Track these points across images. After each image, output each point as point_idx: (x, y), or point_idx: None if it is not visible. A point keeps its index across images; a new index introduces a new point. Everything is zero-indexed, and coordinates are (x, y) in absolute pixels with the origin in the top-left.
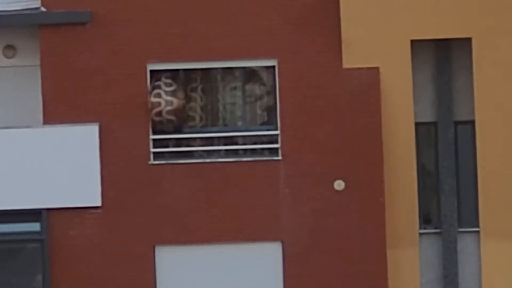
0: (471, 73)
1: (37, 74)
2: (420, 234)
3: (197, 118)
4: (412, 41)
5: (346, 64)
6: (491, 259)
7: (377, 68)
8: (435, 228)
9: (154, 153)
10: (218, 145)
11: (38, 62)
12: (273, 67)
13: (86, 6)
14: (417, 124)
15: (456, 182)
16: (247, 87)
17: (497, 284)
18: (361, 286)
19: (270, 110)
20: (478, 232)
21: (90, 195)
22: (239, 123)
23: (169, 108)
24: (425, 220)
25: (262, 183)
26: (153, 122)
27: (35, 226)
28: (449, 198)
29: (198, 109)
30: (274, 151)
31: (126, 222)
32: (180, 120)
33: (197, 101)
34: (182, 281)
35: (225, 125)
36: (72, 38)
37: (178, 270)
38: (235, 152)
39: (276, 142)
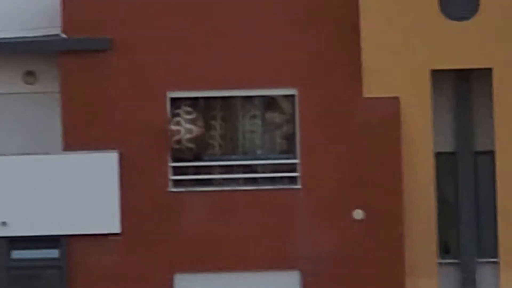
0: (491, 103)
1: (57, 100)
2: (439, 264)
3: (217, 146)
4: (432, 71)
5: (366, 94)
6: None
7: (397, 98)
8: (454, 258)
9: (174, 180)
10: (237, 173)
11: (58, 89)
12: (293, 95)
13: (106, 33)
14: (436, 154)
15: (475, 212)
16: (267, 115)
17: None
18: None
19: (290, 138)
20: (497, 263)
21: (109, 222)
22: (259, 151)
23: (188, 136)
24: (444, 250)
25: (281, 212)
26: (173, 150)
27: (54, 253)
28: (468, 228)
29: (218, 137)
30: (293, 180)
31: (145, 250)
32: (199, 148)
33: (217, 129)
34: None
35: (245, 153)
36: (92, 65)
37: None
38: (254, 180)
39: (295, 171)
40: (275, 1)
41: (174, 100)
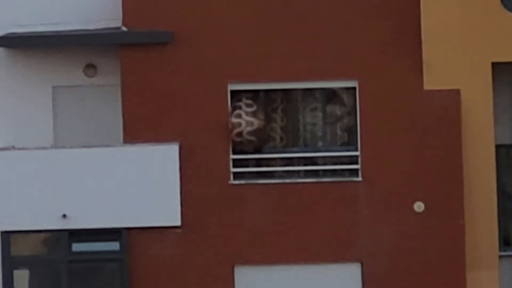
0: None
1: (118, 93)
2: (500, 256)
3: (277, 138)
4: (493, 64)
5: (427, 86)
6: None
7: (458, 90)
8: None
9: (234, 173)
10: (298, 165)
11: (119, 81)
12: (354, 88)
13: (167, 26)
14: (497, 147)
15: None
16: (328, 108)
17: None
18: None
19: (351, 131)
20: None
21: (170, 214)
22: (319, 144)
23: (249, 128)
24: (505, 242)
25: (342, 204)
26: (234, 142)
27: (115, 245)
28: None
29: (279, 130)
30: (354, 172)
31: (205, 242)
32: (260, 141)
33: (278, 121)
34: None
35: (305, 146)
36: (153, 58)
37: None
38: (315, 173)
39: (356, 163)
40: None
41: (234, 92)
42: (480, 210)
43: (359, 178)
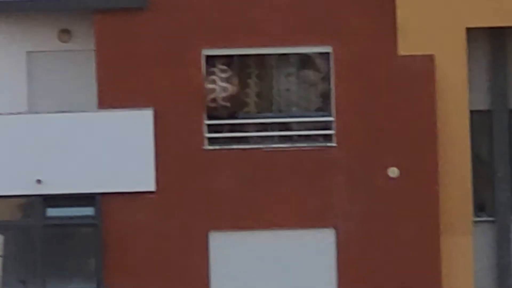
0: None
1: (92, 58)
2: (474, 222)
3: (252, 104)
4: (468, 29)
5: (401, 51)
6: None
7: (432, 56)
8: (489, 216)
9: (209, 138)
10: (272, 131)
11: (93, 47)
12: (328, 53)
13: None
14: (471, 112)
15: (510, 170)
16: (302, 73)
17: None
18: (414, 273)
19: (325, 96)
20: None
21: (144, 180)
22: (294, 109)
23: (224, 94)
24: (479, 208)
25: (316, 170)
26: (208, 108)
27: (89, 211)
28: (503, 186)
29: (253, 95)
30: (328, 138)
31: (180, 208)
32: (234, 106)
33: (252, 87)
34: (235, 267)
35: (280, 111)
36: (127, 23)
37: (232, 256)
38: (289, 138)
39: (331, 129)
40: None
41: (209, 58)
42: (455, 175)
43: (334, 144)
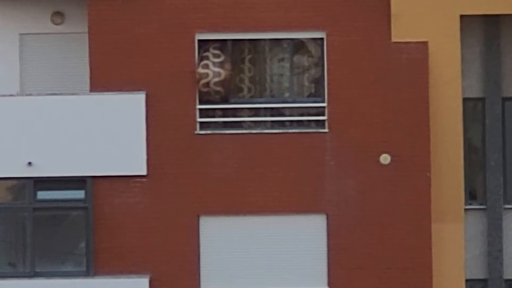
0: None
1: (85, 41)
2: (466, 209)
3: (245, 89)
4: (462, 16)
5: (394, 38)
6: None
7: (425, 43)
8: (481, 204)
9: (201, 123)
10: (265, 116)
11: (86, 30)
12: (322, 39)
13: None
14: (464, 100)
15: (502, 158)
16: (295, 58)
17: None
18: (404, 259)
19: (318, 82)
20: None
21: (136, 163)
22: (286, 95)
23: (216, 79)
24: (471, 196)
25: (308, 155)
26: (200, 93)
27: (80, 194)
28: (495, 174)
29: (246, 80)
30: (320, 123)
31: (171, 192)
32: (227, 91)
33: (245, 72)
34: (225, 251)
35: (272, 96)
36: (121, 6)
37: (222, 240)
38: (281, 124)
39: (323, 115)
40: None
41: (202, 42)
42: (447, 163)
43: (326, 130)
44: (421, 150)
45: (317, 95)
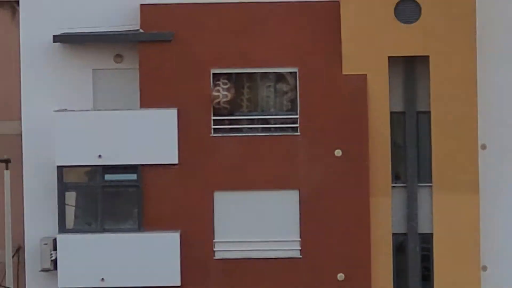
0: (428, 79)
1: (137, 74)
2: (392, 187)
3: (244, 106)
4: (389, 57)
5: (344, 71)
6: (440, 205)
7: (365, 75)
8: (403, 183)
9: (214, 128)
10: (257, 124)
11: (137, 66)
12: (296, 72)
13: (171, 28)
14: (391, 113)
15: (417, 151)
16: (278, 85)
17: (443, 223)
18: (352, 222)
19: (293, 101)
20: (431, 186)
21: (170, 155)
22: (272, 110)
23: (225, 99)
24: (396, 177)
25: (286, 151)
26: (214, 108)
27: (133, 176)
28: (412, 162)
29: (245, 100)
30: (294, 129)
31: (195, 176)
32: (232, 107)
33: (244, 94)
34: (232, 216)
35: (262, 111)
36: (160, 50)
37: (230, 208)
38: (268, 129)
39: (296, 123)
40: (286, 9)
41: (215, 75)
42: (380, 155)
43: (298, 133)
44: (362, 146)
45: (292, 110)
